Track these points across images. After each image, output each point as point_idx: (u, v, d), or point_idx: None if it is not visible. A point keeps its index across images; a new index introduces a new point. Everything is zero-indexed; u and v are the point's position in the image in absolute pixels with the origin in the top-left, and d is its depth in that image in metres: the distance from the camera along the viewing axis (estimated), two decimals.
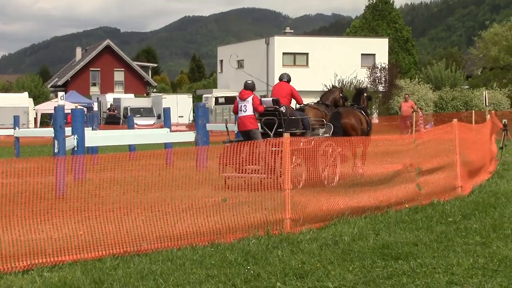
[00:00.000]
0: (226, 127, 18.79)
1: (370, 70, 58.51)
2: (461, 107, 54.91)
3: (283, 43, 64.60)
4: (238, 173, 11.96)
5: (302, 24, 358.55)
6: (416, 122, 35.68)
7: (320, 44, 66.11)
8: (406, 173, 14.24)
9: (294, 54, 64.36)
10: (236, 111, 18.08)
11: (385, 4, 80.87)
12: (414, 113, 36.41)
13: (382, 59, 62.86)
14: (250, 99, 17.53)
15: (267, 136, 16.79)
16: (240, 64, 69.87)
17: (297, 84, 64.56)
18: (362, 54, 65.06)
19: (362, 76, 56.83)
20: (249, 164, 11.91)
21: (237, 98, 18.00)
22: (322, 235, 11.07)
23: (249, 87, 17.82)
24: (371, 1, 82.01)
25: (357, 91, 21.85)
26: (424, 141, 15.71)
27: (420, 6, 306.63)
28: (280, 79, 19.36)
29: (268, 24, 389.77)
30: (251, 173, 12.12)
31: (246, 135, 17.53)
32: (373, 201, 13.00)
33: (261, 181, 11.95)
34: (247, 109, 17.54)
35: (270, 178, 12.11)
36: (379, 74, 58.03)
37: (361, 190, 13.03)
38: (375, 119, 52.02)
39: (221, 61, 74.72)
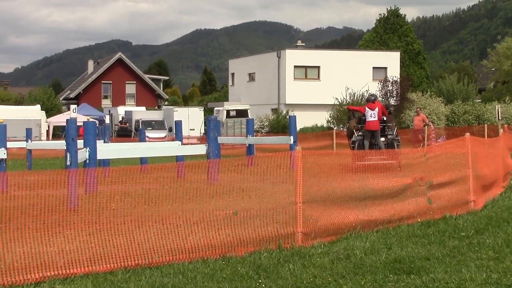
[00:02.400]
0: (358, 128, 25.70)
1: (381, 84, 58.45)
2: (473, 121, 54.70)
3: (294, 56, 64.65)
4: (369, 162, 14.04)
5: (314, 37, 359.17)
6: (428, 136, 35.59)
7: (331, 57, 66.15)
8: (416, 187, 14.19)
9: (306, 67, 64.40)
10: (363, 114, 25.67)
11: (396, 17, 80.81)
12: (426, 127, 36.32)
13: (394, 72, 62.77)
14: (377, 109, 25.48)
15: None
16: (251, 77, 69.96)
17: (308, 97, 65.06)
18: (373, 68, 65.04)
19: (373, 90, 56.79)
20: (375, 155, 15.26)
21: (366, 108, 25.54)
22: (333, 249, 11.04)
23: (372, 100, 25.80)
24: (382, 14, 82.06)
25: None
26: (435, 155, 15.66)
27: (432, 19, 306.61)
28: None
29: (280, 37, 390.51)
30: (380, 161, 14.28)
31: (372, 133, 25.39)
32: (385, 215, 12.96)
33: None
34: (376, 116, 25.35)
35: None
36: (391, 88, 57.95)
37: (373, 203, 12.99)
38: None
39: (233, 74, 74.86)
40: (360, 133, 25.76)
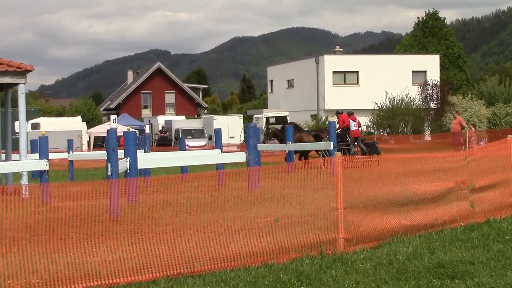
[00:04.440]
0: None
1: (421, 87, 58.11)
2: None
3: (333, 62, 64.49)
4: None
5: (352, 42, 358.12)
6: (469, 138, 35.27)
7: (370, 62, 65.85)
8: (458, 190, 14.05)
9: (344, 72, 64.19)
10: (347, 126, 32.38)
11: (435, 20, 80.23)
12: (468, 129, 36.01)
13: (434, 75, 62.30)
14: (357, 120, 32.71)
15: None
16: (290, 84, 69.95)
17: (347, 102, 64.91)
18: (413, 71, 64.56)
19: (413, 93, 56.46)
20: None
21: (350, 119, 32.34)
22: (376, 254, 10.98)
23: (352, 114, 32.97)
24: (421, 18, 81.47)
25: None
26: (476, 158, 15.49)
27: (471, 21, 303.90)
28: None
29: (318, 43, 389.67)
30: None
31: (355, 139, 32.35)
32: (427, 219, 12.85)
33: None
34: (357, 125, 32.56)
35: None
36: (431, 91, 57.60)
37: (415, 208, 12.89)
38: (427, 137, 51.60)
39: (271, 81, 74.89)
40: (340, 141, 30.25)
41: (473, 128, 38.24)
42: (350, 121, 32.47)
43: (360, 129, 33.67)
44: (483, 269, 9.86)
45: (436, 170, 14.17)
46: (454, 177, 14.26)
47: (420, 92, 57.60)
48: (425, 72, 64.45)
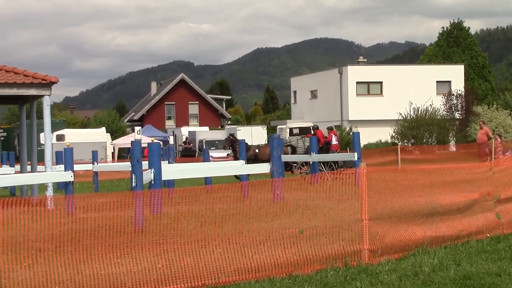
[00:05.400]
0: None
1: (445, 97, 57.85)
2: None
3: (356, 72, 64.39)
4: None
5: (375, 53, 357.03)
6: (495, 149, 35.03)
7: (394, 72, 65.70)
8: (484, 201, 13.96)
9: (368, 83, 64.06)
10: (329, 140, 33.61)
11: (460, 30, 79.89)
12: (493, 140, 35.78)
13: (458, 85, 62.01)
14: (337, 135, 34.85)
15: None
16: (314, 95, 69.92)
17: (371, 113, 64.74)
18: (437, 81, 64.31)
19: (437, 104, 56.22)
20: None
21: (332, 134, 33.67)
22: (401, 266, 10.93)
23: (332, 128, 34.89)
24: (445, 28, 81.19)
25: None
26: (502, 169, 15.38)
27: (496, 30, 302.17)
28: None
29: (341, 54, 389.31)
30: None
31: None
32: (453, 230, 12.78)
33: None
34: (337, 140, 34.28)
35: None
36: (455, 101, 57.32)
37: (440, 219, 12.83)
38: (452, 147, 51.34)
39: (295, 92, 74.92)
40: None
41: (498, 139, 38.00)
42: (332, 135, 34.24)
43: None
44: (510, 281, 9.78)
45: (461, 181, 14.09)
46: (479, 188, 14.17)
47: (445, 102, 57.33)
48: (449, 82, 64.20)
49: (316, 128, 36.39)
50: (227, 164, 26.82)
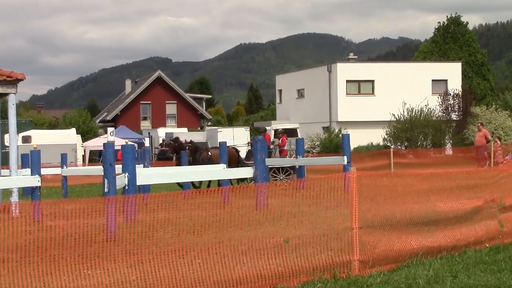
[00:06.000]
0: None
1: (442, 97, 58.04)
2: None
3: (346, 70, 64.50)
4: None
5: (367, 49, 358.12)
6: (494, 152, 35.18)
7: (386, 70, 65.85)
8: (487, 209, 14.00)
9: (359, 81, 64.19)
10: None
11: (457, 26, 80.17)
12: (493, 143, 35.93)
13: (455, 85, 62.18)
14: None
15: None
16: (301, 94, 70.00)
17: (362, 114, 64.98)
18: (432, 80, 64.54)
19: (433, 104, 56.39)
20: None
21: (287, 138, 34.15)
22: (394, 278, 10.93)
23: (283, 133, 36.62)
24: (441, 23, 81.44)
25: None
26: (508, 174, 15.45)
27: (496, 26, 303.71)
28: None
29: (330, 50, 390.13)
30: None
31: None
32: (450, 240, 12.80)
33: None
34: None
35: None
36: (452, 102, 57.52)
37: (436, 228, 12.85)
38: (448, 150, 51.52)
39: (280, 90, 74.97)
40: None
41: (498, 142, 38.16)
42: (289, 139, 36.02)
43: None
44: None
45: (459, 187, 14.13)
46: (480, 194, 14.21)
47: (441, 103, 57.51)
48: (446, 81, 64.44)
49: (263, 130, 37.89)
50: (207, 168, 26.76)
